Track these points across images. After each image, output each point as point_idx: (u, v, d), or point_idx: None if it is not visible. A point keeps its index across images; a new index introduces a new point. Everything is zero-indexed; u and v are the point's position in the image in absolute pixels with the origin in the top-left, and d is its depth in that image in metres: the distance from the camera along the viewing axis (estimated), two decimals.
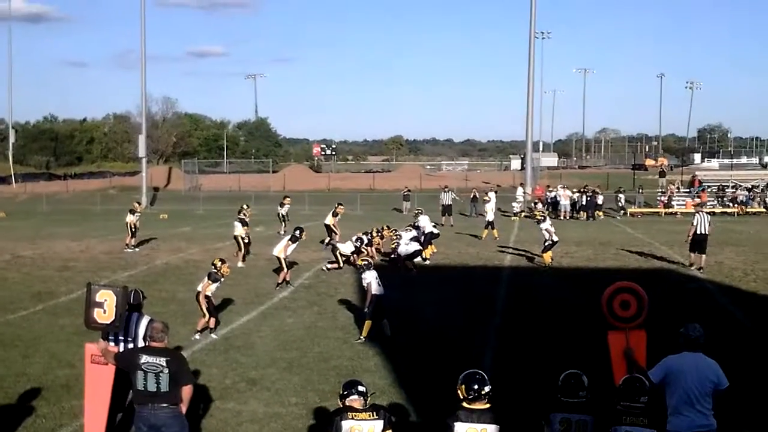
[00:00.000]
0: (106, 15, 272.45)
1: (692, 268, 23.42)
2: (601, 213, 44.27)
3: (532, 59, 54.53)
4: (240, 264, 23.92)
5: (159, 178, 76.96)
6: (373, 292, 15.00)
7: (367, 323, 14.89)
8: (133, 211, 28.99)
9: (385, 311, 15.23)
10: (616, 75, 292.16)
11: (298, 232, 21.37)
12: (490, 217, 32.54)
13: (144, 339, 9.26)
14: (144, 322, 9.84)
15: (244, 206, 27.91)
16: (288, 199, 35.52)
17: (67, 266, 24.56)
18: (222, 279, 15.46)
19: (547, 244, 24.28)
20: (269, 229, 33.66)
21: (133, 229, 28.70)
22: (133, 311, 9.95)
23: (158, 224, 38.84)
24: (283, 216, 34.16)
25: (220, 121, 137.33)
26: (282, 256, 20.50)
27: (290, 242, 20.88)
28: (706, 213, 25.21)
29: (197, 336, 14.95)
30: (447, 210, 40.33)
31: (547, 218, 25.90)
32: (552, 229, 24.34)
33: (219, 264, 15.59)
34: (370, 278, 15.15)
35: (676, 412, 7.59)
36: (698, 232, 23.46)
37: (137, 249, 28.40)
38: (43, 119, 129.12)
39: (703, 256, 23.45)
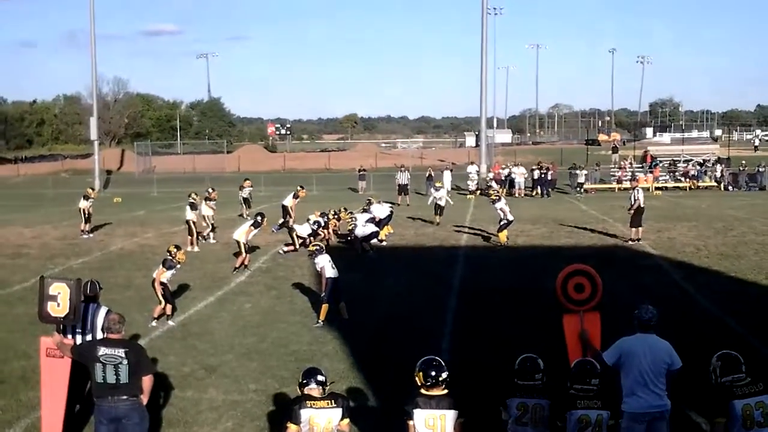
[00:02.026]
0: None
1: (640, 242, 24.25)
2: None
3: (485, 35, 54.69)
4: (195, 248, 23.81)
5: (112, 161, 76.08)
6: (328, 276, 15.02)
7: (324, 307, 14.91)
8: (86, 197, 28.56)
9: (342, 294, 15.29)
10: (568, 50, 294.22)
11: (260, 217, 21.31)
12: (441, 202, 31.78)
13: (102, 330, 9.22)
14: (102, 312, 9.78)
15: (210, 190, 27.86)
16: (248, 182, 35.53)
17: (20, 253, 24.22)
18: (178, 266, 15.34)
19: (502, 223, 24.47)
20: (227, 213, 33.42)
21: (87, 215, 28.34)
22: (90, 302, 9.89)
23: (112, 208, 38.38)
24: (244, 199, 34.19)
25: (173, 102, 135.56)
26: (243, 241, 20.37)
27: (252, 227, 20.79)
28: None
29: (154, 323, 14.86)
30: (403, 189, 40.46)
31: (502, 198, 26.05)
32: (507, 209, 24.54)
33: (174, 251, 15.50)
34: (323, 262, 15.17)
35: (631, 393, 7.74)
36: (641, 206, 24.76)
37: (92, 235, 28.07)
38: None
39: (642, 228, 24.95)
